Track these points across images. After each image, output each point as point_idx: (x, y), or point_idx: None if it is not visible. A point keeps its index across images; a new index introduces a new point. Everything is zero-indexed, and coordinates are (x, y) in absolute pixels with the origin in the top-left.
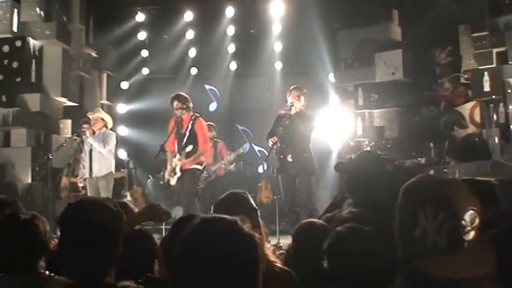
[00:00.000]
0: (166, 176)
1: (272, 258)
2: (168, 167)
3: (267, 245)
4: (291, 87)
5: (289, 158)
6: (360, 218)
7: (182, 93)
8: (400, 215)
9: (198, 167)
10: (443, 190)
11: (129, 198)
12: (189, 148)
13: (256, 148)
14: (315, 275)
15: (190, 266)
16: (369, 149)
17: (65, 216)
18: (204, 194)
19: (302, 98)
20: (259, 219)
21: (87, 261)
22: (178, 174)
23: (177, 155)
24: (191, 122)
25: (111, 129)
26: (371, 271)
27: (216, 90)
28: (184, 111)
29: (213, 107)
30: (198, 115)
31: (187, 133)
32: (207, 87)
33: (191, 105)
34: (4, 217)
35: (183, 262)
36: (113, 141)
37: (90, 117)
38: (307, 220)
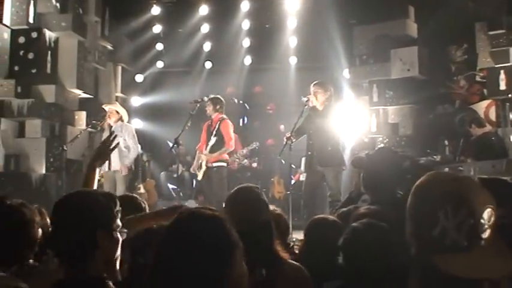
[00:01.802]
0: (192, 170)
1: (282, 253)
2: (195, 163)
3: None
4: (312, 83)
5: (315, 153)
6: (377, 214)
7: (217, 96)
8: (415, 214)
9: (223, 164)
10: (461, 188)
11: (142, 190)
12: (212, 142)
13: None
14: (325, 270)
15: (168, 258)
16: (382, 145)
17: (54, 206)
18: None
19: (320, 96)
20: (274, 213)
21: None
22: (204, 168)
23: (206, 151)
24: (219, 122)
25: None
26: (387, 267)
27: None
28: (214, 112)
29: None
30: (225, 117)
31: (214, 132)
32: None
33: (222, 107)
34: None
35: (162, 255)
36: (135, 135)
37: (106, 109)
38: (319, 216)
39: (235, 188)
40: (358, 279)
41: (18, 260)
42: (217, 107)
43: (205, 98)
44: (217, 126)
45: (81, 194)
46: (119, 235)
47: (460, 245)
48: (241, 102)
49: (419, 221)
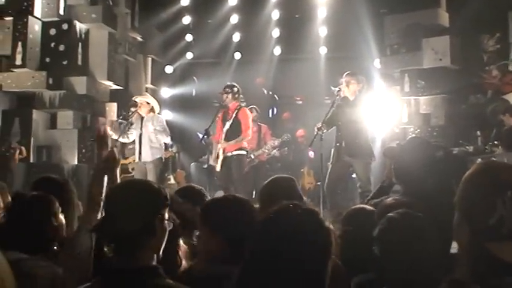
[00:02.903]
0: (211, 162)
1: None
2: (214, 154)
3: None
4: (344, 73)
5: (343, 144)
6: (404, 206)
7: (232, 84)
8: (468, 203)
9: (242, 152)
10: None
11: (172, 181)
12: (227, 129)
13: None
14: (364, 260)
15: (267, 251)
16: (414, 136)
17: (106, 196)
18: (246, 178)
19: (352, 86)
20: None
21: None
22: (221, 157)
23: (221, 140)
24: (236, 110)
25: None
26: (423, 257)
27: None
28: (232, 100)
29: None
30: (243, 105)
31: (232, 120)
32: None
33: (240, 95)
34: (12, 198)
35: (259, 248)
36: (166, 127)
37: (137, 100)
38: (357, 206)
39: (270, 178)
40: (394, 269)
41: (42, 249)
42: (236, 95)
43: (235, 89)
44: (234, 115)
45: (135, 182)
46: (167, 224)
47: None
48: (270, 92)
49: (473, 210)
